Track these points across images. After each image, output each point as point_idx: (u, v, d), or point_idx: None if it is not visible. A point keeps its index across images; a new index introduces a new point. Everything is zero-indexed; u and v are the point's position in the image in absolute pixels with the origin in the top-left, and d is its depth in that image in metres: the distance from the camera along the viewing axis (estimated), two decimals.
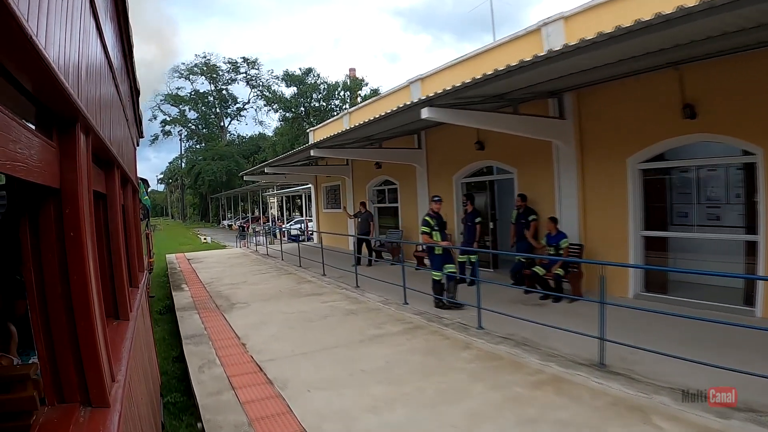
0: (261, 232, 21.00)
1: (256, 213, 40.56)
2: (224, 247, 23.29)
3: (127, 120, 3.34)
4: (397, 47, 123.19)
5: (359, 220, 11.74)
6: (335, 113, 42.87)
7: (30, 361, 2.04)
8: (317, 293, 8.64)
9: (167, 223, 58.33)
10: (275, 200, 39.05)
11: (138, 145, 5.34)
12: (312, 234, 22.74)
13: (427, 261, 9.75)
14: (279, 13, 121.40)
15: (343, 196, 16.59)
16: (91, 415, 1.26)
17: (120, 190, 2.73)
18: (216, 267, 13.60)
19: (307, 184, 27.35)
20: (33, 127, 1.12)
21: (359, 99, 44.26)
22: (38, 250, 1.22)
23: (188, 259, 15.98)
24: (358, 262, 10.77)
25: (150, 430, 2.63)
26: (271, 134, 54.53)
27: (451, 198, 10.37)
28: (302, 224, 27.24)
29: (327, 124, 19.21)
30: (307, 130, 22.23)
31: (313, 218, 20.20)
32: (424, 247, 7.65)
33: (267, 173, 15.75)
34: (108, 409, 1.31)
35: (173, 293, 9.64)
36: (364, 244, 11.62)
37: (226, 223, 44.70)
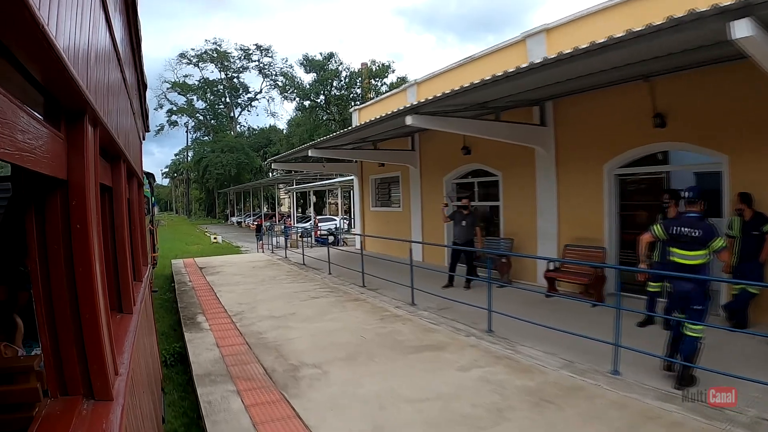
0: (286, 232, 17.61)
1: (266, 209, 38.84)
2: (239, 249, 20.01)
3: (134, 113, 3.35)
4: (400, 47, 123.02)
5: (464, 223, 8.51)
6: (358, 103, 40.96)
7: (33, 353, 2.05)
8: (432, 345, 5.37)
9: (171, 219, 57.44)
10: (287, 196, 37.19)
11: (144, 139, 5.34)
12: (341, 236, 19.69)
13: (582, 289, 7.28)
14: (283, 11, 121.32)
15: (404, 191, 13.19)
16: (94, 407, 1.25)
17: (126, 183, 2.73)
18: (241, 283, 10.02)
19: (335, 177, 23.96)
20: (41, 117, 1.11)
21: (384, 88, 41.49)
22: (44, 242, 1.21)
23: (200, 268, 12.37)
24: (450, 282, 8.58)
25: (151, 424, 2.63)
26: (283, 127, 52.49)
27: (598, 196, 7.48)
28: (312, 222, 24.71)
29: (380, 100, 15.62)
30: (351, 110, 18.61)
31: (356, 218, 16.73)
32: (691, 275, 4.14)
33: (311, 157, 12.33)
34: (111, 403, 1.31)
35: (186, 333, 6.27)
36: (460, 258, 8.67)
37: (235, 219, 42.67)
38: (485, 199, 10.36)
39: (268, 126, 55.18)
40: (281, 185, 34.55)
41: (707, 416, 3.48)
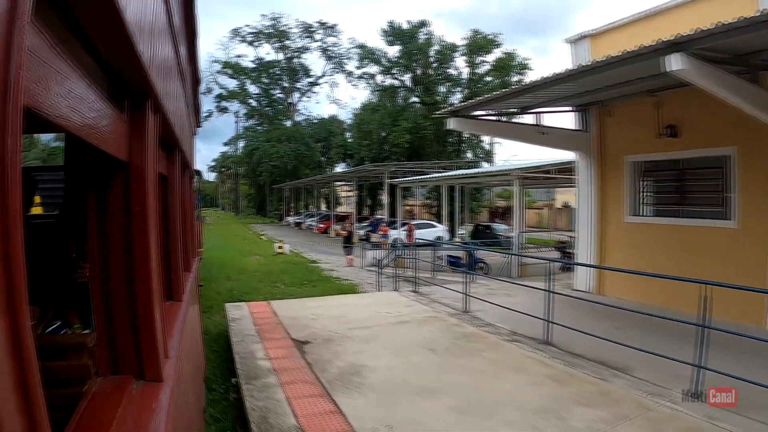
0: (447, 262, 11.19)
1: (325, 209, 33.84)
2: (321, 270, 13.08)
3: (187, 106, 3.45)
4: None
5: None
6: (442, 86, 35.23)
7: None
8: None
9: (217, 215, 54.43)
10: (353, 194, 31.92)
11: (196, 134, 5.52)
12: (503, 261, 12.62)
13: None
14: (329, 10, 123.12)
15: (748, 187, 6.74)
16: (143, 387, 1.27)
17: (180, 173, 2.81)
18: None
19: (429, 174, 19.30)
20: (107, 97, 1.13)
21: (486, 66, 35.75)
22: (103, 223, 1.23)
23: (299, 343, 5.44)
24: None
25: (196, 409, 2.68)
26: (345, 117, 46.83)
27: None
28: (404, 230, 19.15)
29: (644, 17, 7.64)
30: (571, 40, 8.90)
31: (583, 232, 9.23)
32: None
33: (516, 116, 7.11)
34: (161, 384, 1.32)
35: None
36: None
37: (292, 220, 36.69)
38: None
39: (328, 116, 49.06)
40: (346, 180, 29.25)
41: None
